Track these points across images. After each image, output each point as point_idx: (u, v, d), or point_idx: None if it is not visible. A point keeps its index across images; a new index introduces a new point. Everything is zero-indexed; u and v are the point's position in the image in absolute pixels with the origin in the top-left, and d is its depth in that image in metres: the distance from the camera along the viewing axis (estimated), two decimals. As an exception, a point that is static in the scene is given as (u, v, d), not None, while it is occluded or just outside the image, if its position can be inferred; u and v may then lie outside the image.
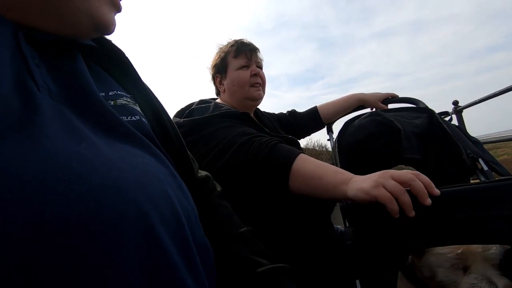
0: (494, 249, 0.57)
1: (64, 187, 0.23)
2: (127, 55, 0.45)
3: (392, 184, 0.52)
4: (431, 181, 0.51)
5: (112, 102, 0.38)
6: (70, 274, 0.21)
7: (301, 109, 1.27)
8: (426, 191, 0.50)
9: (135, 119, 0.39)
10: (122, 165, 0.28)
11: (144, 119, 0.41)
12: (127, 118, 0.38)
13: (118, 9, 0.40)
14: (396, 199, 0.51)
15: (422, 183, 0.51)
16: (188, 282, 0.30)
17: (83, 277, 0.22)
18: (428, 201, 0.49)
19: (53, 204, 0.22)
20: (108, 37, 0.44)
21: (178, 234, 0.31)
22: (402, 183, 0.52)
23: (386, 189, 0.52)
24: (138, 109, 0.42)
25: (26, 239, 0.20)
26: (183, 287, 0.29)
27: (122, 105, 0.39)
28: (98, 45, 0.41)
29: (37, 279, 0.20)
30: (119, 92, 0.40)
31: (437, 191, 0.50)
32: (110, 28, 0.39)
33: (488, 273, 0.56)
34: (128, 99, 0.41)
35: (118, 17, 0.41)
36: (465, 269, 0.58)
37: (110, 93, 0.39)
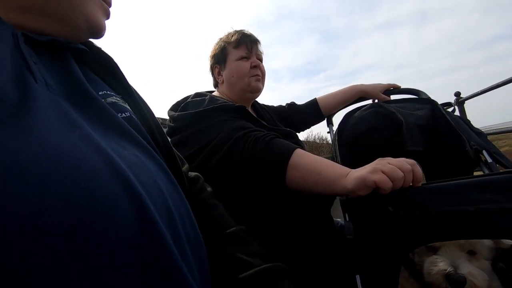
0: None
1: (57, 167, 0.25)
2: (115, 60, 0.48)
3: (389, 167, 0.52)
4: (422, 176, 0.53)
5: (102, 100, 0.39)
6: (64, 242, 0.23)
7: (302, 102, 1.25)
8: (410, 185, 0.52)
9: (125, 115, 0.40)
10: (113, 154, 0.30)
11: (134, 116, 0.42)
12: (117, 115, 0.39)
13: (108, 16, 0.45)
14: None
15: (414, 176, 0.52)
16: (181, 264, 0.30)
17: (76, 245, 0.23)
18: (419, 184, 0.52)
19: (47, 181, 0.23)
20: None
21: (169, 223, 0.32)
22: (399, 168, 0.52)
23: (384, 173, 0.51)
24: (128, 107, 0.43)
25: (20, 209, 0.22)
26: (176, 267, 0.29)
27: (112, 103, 0.41)
28: (89, 50, 0.44)
29: (34, 254, 0.21)
30: (108, 92, 0.42)
31: (417, 186, 0.52)
32: (102, 32, 0.43)
33: (455, 257, 0.54)
34: (118, 98, 0.43)
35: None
36: (436, 252, 0.58)
37: (100, 93, 0.41)
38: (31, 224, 0.22)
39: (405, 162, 0.53)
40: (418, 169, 0.53)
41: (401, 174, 0.51)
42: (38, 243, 0.21)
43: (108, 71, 0.46)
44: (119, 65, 0.48)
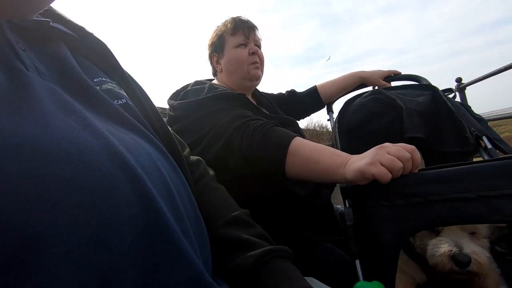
0: None
1: (55, 149, 0.25)
2: (109, 47, 0.46)
3: (388, 159, 0.51)
4: (420, 162, 0.53)
5: (98, 87, 0.39)
6: (65, 225, 0.23)
7: (302, 89, 1.24)
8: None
9: (121, 102, 0.40)
10: (110, 136, 0.30)
11: (130, 102, 0.41)
12: (114, 101, 0.38)
13: None
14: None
15: (413, 161, 0.52)
16: (183, 241, 0.30)
17: (77, 227, 0.23)
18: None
19: (45, 162, 0.24)
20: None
21: (170, 202, 0.32)
22: (398, 158, 0.52)
23: (383, 165, 0.51)
24: (124, 93, 0.43)
25: (20, 192, 0.22)
26: (178, 244, 0.30)
27: (108, 90, 0.40)
28: (80, 38, 0.43)
29: (34, 237, 0.21)
30: (103, 79, 0.42)
31: (416, 173, 0.52)
32: None
33: (458, 238, 0.55)
34: (114, 85, 0.42)
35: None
36: (439, 234, 0.58)
37: (95, 80, 0.40)
38: (30, 206, 0.22)
39: (404, 151, 0.52)
40: (417, 155, 0.53)
41: (400, 164, 0.50)
42: (38, 225, 0.21)
43: (102, 57, 0.45)
44: (112, 51, 0.47)
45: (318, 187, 0.82)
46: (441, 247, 0.55)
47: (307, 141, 0.68)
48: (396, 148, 0.53)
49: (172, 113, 0.84)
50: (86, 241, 0.23)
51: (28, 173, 0.22)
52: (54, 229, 0.22)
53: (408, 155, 0.52)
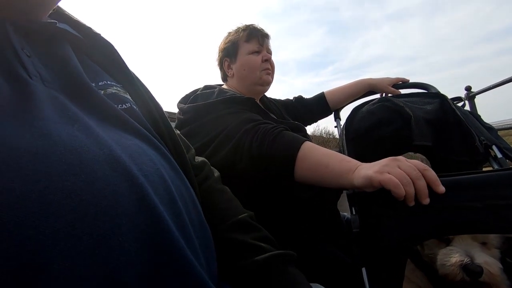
0: None
1: (57, 161, 0.24)
2: (116, 47, 0.46)
3: (398, 172, 0.50)
4: (437, 178, 0.48)
5: (102, 91, 0.39)
6: (67, 238, 0.22)
7: (309, 95, 1.25)
8: (427, 192, 0.48)
9: (126, 106, 0.40)
10: (113, 145, 0.30)
11: (135, 107, 0.42)
12: (118, 106, 0.39)
13: None
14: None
15: (429, 179, 0.48)
16: (185, 250, 0.30)
17: (79, 240, 0.23)
18: (426, 201, 0.47)
19: (47, 175, 0.23)
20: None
21: (172, 210, 0.32)
22: (408, 175, 0.49)
23: (391, 175, 0.50)
24: (129, 97, 0.43)
25: (21, 207, 0.21)
26: (181, 253, 0.30)
27: (113, 94, 0.40)
28: (86, 38, 0.43)
29: (34, 242, 0.21)
30: (108, 82, 0.41)
31: (442, 189, 0.47)
32: None
33: (469, 248, 0.55)
34: (118, 88, 0.42)
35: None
36: (449, 243, 0.58)
37: (100, 83, 0.40)
38: (32, 221, 0.21)
39: (415, 168, 0.50)
40: (431, 173, 0.49)
41: (408, 179, 0.48)
42: (40, 240, 0.21)
43: (108, 58, 0.45)
44: (119, 51, 0.46)
45: (322, 191, 0.82)
46: (452, 257, 0.54)
47: (317, 145, 0.69)
48: (408, 165, 0.51)
49: (182, 117, 0.85)
50: (88, 255, 0.23)
51: (30, 187, 0.22)
52: (56, 244, 0.22)
53: (417, 173, 0.49)
